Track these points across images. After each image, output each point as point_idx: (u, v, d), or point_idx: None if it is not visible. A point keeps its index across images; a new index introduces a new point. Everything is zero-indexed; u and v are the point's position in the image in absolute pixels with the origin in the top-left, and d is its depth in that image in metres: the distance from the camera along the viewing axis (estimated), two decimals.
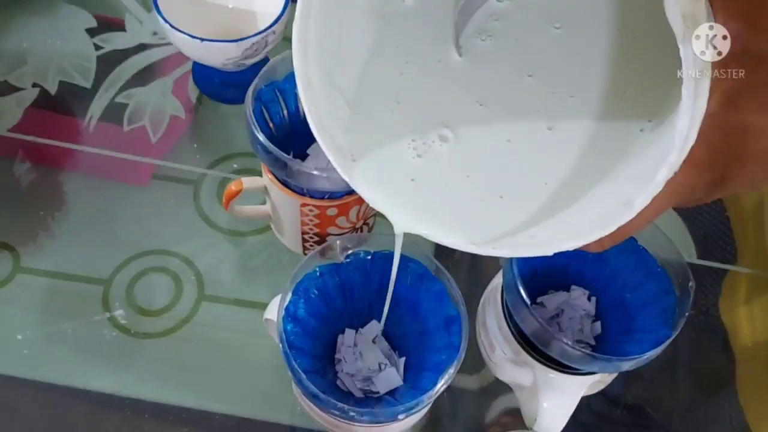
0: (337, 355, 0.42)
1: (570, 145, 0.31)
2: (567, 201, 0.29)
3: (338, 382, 0.41)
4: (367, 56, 0.32)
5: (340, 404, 0.35)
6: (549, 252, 0.26)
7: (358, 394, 0.41)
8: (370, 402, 0.40)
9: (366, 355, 0.42)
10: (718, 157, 0.25)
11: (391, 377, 0.41)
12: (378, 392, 0.41)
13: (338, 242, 0.40)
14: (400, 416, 0.36)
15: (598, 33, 0.30)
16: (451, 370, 0.36)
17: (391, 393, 0.41)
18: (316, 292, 0.40)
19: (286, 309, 0.38)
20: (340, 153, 0.30)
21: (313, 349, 0.40)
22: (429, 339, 0.41)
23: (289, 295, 0.39)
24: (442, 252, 0.40)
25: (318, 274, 0.40)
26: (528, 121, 0.32)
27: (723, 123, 0.24)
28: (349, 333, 0.43)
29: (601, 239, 0.25)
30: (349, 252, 0.40)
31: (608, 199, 0.27)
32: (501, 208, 0.31)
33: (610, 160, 0.29)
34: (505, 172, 0.32)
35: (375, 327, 0.42)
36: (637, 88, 0.30)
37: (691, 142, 0.23)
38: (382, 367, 0.41)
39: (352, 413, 0.35)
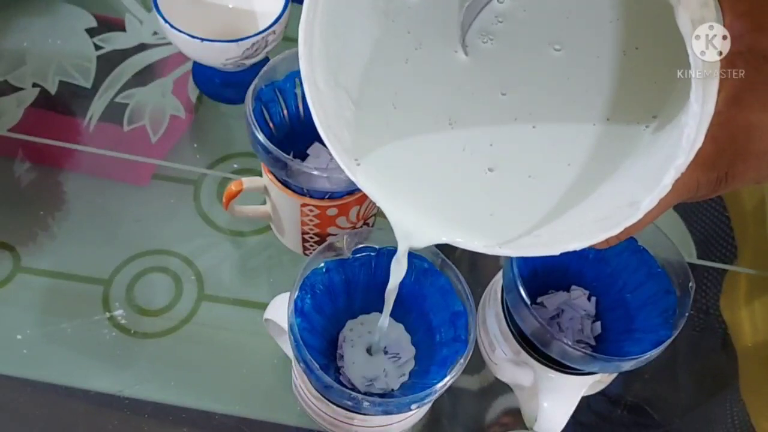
0: (339, 351, 0.42)
1: (574, 146, 0.31)
2: (572, 201, 0.29)
3: (342, 378, 0.41)
4: (371, 55, 0.32)
5: (353, 394, 0.35)
6: (555, 252, 0.26)
7: (363, 390, 0.41)
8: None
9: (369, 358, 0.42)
10: (723, 155, 0.25)
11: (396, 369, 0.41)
12: (381, 390, 0.41)
13: (346, 237, 0.40)
14: (413, 406, 0.36)
15: (600, 33, 0.30)
16: (462, 361, 0.36)
17: (398, 389, 0.41)
18: (321, 287, 0.40)
19: (294, 303, 0.38)
20: (347, 154, 0.30)
21: (319, 345, 0.41)
22: (435, 334, 0.41)
23: (297, 289, 0.39)
24: (442, 250, 0.40)
25: (324, 269, 0.40)
26: (532, 123, 0.32)
27: (728, 122, 0.24)
28: (351, 323, 0.43)
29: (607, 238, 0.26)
30: (356, 247, 0.40)
31: (613, 200, 0.27)
32: (506, 208, 0.31)
33: (614, 160, 0.29)
34: (509, 173, 0.32)
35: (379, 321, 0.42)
36: (640, 87, 0.30)
37: (698, 145, 0.23)
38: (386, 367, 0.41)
39: (366, 403, 0.35)
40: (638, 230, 0.27)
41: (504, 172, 0.32)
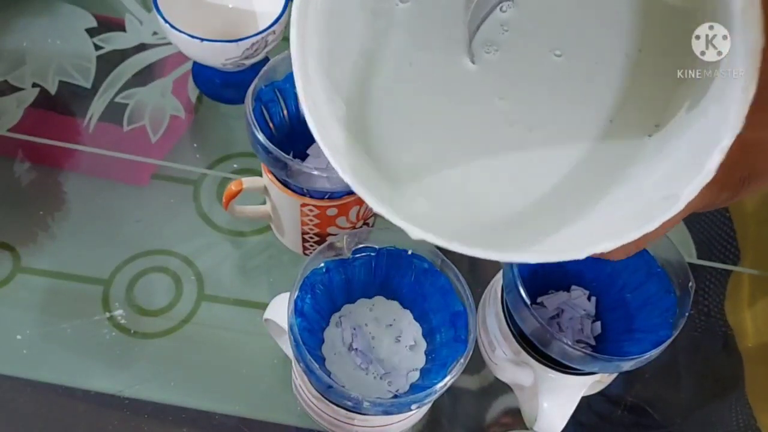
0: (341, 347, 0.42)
1: (580, 155, 0.31)
2: (581, 207, 0.29)
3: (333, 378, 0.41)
4: (370, 57, 0.31)
5: (354, 394, 0.35)
6: (581, 256, 0.25)
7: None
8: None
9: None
10: (748, 153, 0.25)
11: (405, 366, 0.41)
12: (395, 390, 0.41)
13: (345, 237, 0.40)
14: (413, 406, 0.36)
15: (602, 38, 0.30)
16: (462, 361, 0.36)
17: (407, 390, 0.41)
18: (321, 287, 0.40)
19: (294, 303, 0.38)
20: (341, 155, 0.30)
21: (319, 346, 0.41)
22: (435, 334, 0.41)
23: (297, 289, 0.39)
24: (442, 250, 0.39)
25: (324, 269, 0.40)
26: (535, 130, 0.32)
27: (739, 135, 0.24)
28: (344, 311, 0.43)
29: (626, 246, 0.24)
30: (356, 247, 0.40)
31: (641, 195, 0.26)
32: (519, 215, 0.31)
33: (624, 162, 0.29)
34: (518, 181, 0.31)
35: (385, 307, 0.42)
36: (643, 92, 0.29)
37: (741, 124, 0.22)
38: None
39: (366, 403, 0.35)
40: (655, 238, 0.26)
41: (508, 180, 0.31)
